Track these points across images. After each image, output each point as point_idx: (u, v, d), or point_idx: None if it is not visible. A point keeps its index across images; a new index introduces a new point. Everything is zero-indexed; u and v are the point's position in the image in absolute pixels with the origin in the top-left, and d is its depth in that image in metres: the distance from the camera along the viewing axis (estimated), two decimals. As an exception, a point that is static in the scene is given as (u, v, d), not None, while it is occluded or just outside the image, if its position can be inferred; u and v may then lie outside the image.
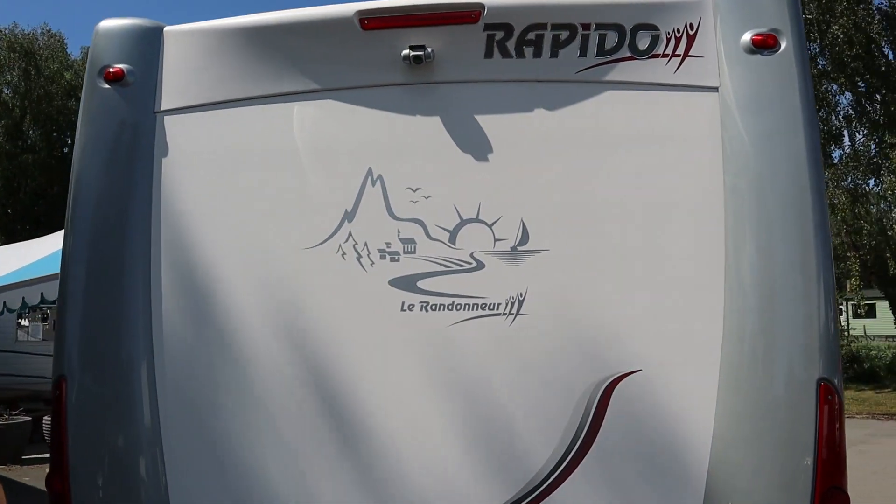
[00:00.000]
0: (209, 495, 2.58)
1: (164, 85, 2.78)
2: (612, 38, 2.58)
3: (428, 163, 2.62)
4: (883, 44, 17.91)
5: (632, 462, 2.43)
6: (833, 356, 2.38)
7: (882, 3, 17.74)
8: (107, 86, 2.80)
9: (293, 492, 2.55)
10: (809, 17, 16.37)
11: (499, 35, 2.61)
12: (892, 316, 19.82)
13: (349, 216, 2.63)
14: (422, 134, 2.63)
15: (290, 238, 2.65)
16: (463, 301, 2.54)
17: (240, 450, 2.57)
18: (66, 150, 29.19)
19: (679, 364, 2.44)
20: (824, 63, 17.46)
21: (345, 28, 2.66)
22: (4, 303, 8.99)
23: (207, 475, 2.58)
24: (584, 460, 2.43)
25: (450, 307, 2.54)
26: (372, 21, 2.65)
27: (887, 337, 26.02)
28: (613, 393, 2.44)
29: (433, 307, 2.54)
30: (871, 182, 18.38)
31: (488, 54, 2.62)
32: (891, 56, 17.73)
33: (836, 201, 17.20)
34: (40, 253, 9.91)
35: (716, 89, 2.53)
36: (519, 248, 2.54)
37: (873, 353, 21.26)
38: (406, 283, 2.57)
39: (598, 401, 2.44)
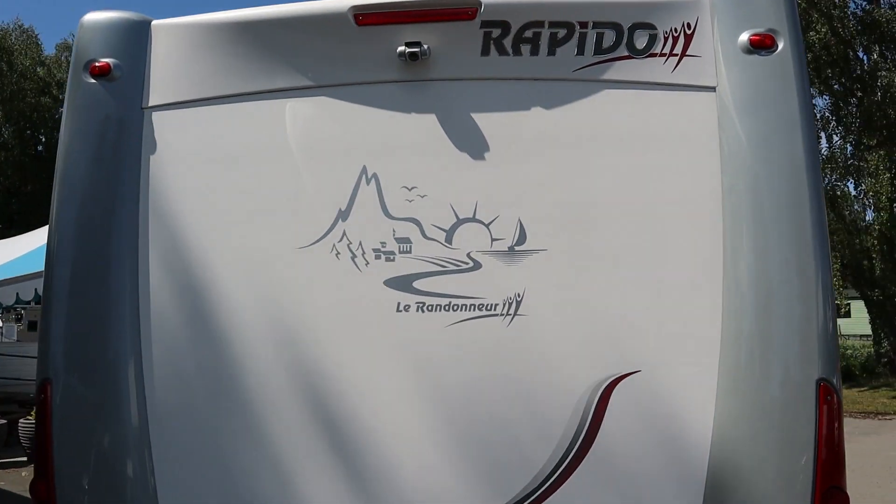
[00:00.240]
0: (198, 497, 2.53)
1: (152, 80, 2.71)
2: (609, 37, 2.57)
3: (423, 161, 2.58)
4: (858, 48, 18.21)
5: (631, 464, 2.41)
6: (832, 356, 2.38)
7: (857, 9, 18.07)
8: (92, 80, 2.72)
9: (285, 494, 2.50)
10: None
11: (496, 32, 2.58)
12: (867, 316, 20.16)
13: (343, 215, 2.58)
14: (417, 132, 2.59)
15: (282, 237, 2.60)
16: (460, 302, 2.51)
17: (230, 451, 2.52)
18: (40, 147, 28.68)
19: (678, 365, 2.43)
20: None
21: (339, 23, 2.61)
22: (-22, 303, 8.80)
23: (197, 476, 2.53)
24: (582, 462, 2.41)
25: (446, 308, 2.50)
26: (367, 17, 2.60)
27: (861, 336, 26.49)
28: (612, 394, 2.42)
29: (429, 308, 2.51)
30: (851, 184, 18.69)
31: (485, 52, 2.59)
32: (865, 60, 18.04)
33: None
34: (15, 252, 9.72)
35: (713, 89, 2.53)
36: (516, 248, 2.51)
37: (849, 352, 21.62)
38: (402, 283, 2.53)
39: (597, 402, 2.42)
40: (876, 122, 16.89)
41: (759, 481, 2.36)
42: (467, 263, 2.52)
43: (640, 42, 2.56)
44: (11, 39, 28.05)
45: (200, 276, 2.63)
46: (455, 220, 2.54)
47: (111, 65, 2.71)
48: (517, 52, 2.59)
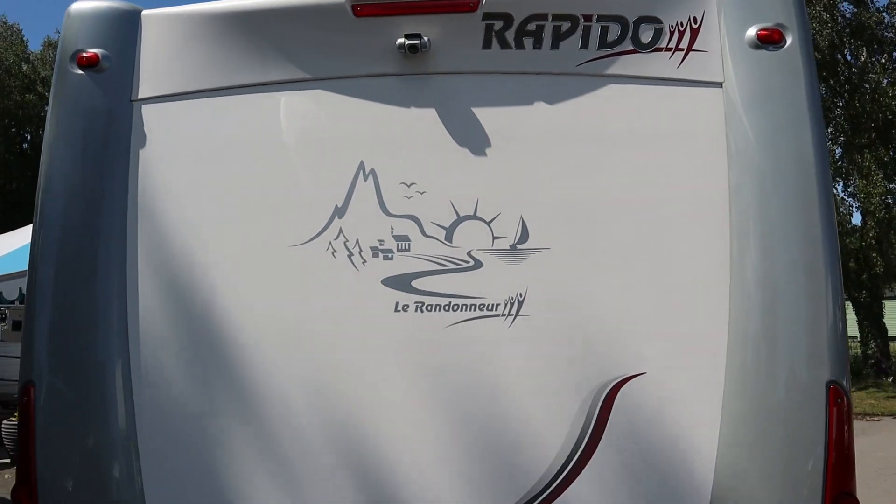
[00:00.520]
0: (187, 497, 2.47)
1: (142, 71, 2.63)
2: (614, 31, 2.52)
3: (423, 157, 2.52)
4: (846, 50, 18.34)
5: (636, 468, 2.36)
6: (841, 357, 2.34)
7: (846, 11, 18.19)
8: (80, 71, 2.64)
9: (275, 498, 2.43)
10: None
11: (498, 25, 2.53)
12: (854, 317, 20.30)
13: (340, 212, 2.52)
14: (417, 127, 2.53)
15: (276, 235, 2.53)
16: (460, 301, 2.45)
17: (219, 452, 2.46)
18: (25, 145, 28.37)
19: (684, 367, 2.38)
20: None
21: (336, 14, 2.54)
22: (-39, 303, 8.64)
23: (185, 477, 2.47)
24: (587, 466, 2.36)
25: (446, 308, 2.45)
26: (365, 7, 2.54)
27: (849, 338, 26.62)
28: (617, 397, 2.37)
29: (429, 308, 2.45)
30: (840, 186, 18.79)
31: (487, 45, 2.53)
32: (854, 63, 18.17)
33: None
34: (-1, 251, 9.57)
35: (720, 85, 2.48)
36: (518, 247, 2.46)
37: (836, 353, 21.65)
38: (400, 282, 2.47)
39: (602, 405, 2.37)
40: (864, 125, 17.02)
41: (767, 486, 2.32)
42: (468, 262, 2.47)
43: (646, 36, 2.51)
44: (-5, 35, 27.73)
45: (191, 276, 2.55)
46: (455, 217, 2.48)
47: (99, 55, 2.63)
48: (520, 45, 2.53)
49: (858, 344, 21.29)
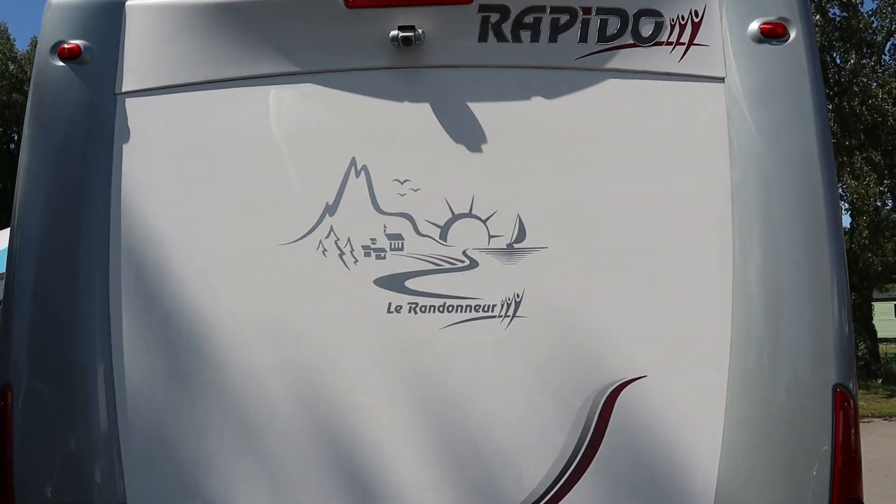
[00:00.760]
0: (170, 502, 2.40)
1: (126, 64, 2.55)
2: (613, 24, 2.46)
3: (417, 153, 2.46)
4: (835, 53, 18.45)
5: (636, 474, 2.31)
6: (848, 360, 2.29)
7: (836, 16, 18.30)
8: (61, 64, 2.55)
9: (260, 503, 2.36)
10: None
11: (494, 17, 2.47)
12: (843, 319, 20.37)
13: (330, 210, 2.45)
14: (410, 122, 2.47)
15: (265, 233, 2.47)
16: (455, 302, 2.39)
17: (204, 456, 2.40)
18: (12, 146, 28.09)
19: (686, 370, 2.33)
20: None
21: (327, 5, 2.48)
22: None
23: (168, 481, 2.41)
24: (585, 473, 2.30)
25: (440, 309, 2.39)
26: (357, -2, 2.47)
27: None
28: (617, 401, 2.32)
29: (422, 309, 2.39)
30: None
31: (482, 38, 2.48)
32: (842, 64, 18.28)
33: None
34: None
35: (722, 80, 2.43)
36: (515, 246, 2.40)
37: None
38: (393, 282, 2.41)
39: (601, 409, 2.32)
40: (854, 127, 17.10)
41: (772, 493, 2.27)
42: (463, 262, 2.41)
43: (646, 30, 2.46)
44: (-18, 35, 27.45)
45: (176, 276, 2.48)
46: (450, 215, 2.42)
47: (81, 47, 2.55)
48: (517, 38, 2.48)
49: (848, 346, 21.33)
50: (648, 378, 2.32)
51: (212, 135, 2.53)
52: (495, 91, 2.47)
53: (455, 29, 2.47)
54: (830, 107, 18.51)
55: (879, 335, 20.76)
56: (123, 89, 2.55)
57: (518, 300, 2.37)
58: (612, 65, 2.45)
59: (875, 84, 17.35)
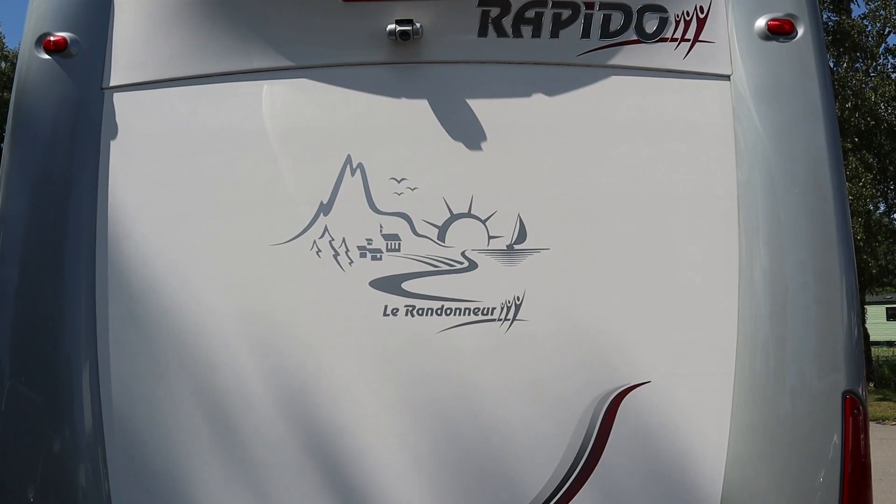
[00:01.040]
0: (156, 502, 2.34)
1: (114, 57, 2.48)
2: (617, 19, 2.41)
3: (414, 151, 2.41)
4: (828, 56, 18.52)
5: (640, 483, 2.26)
6: (858, 366, 2.24)
7: (828, 20, 18.37)
8: (46, 57, 2.48)
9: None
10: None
11: (494, 11, 2.42)
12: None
13: (325, 209, 2.39)
14: (408, 119, 2.42)
15: (257, 232, 2.41)
16: (453, 305, 2.33)
17: (191, 458, 2.34)
18: (2, 144, 27.93)
19: (690, 375, 2.29)
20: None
21: None
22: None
23: (154, 483, 2.35)
24: (588, 481, 2.25)
25: (438, 312, 2.33)
26: (353, -9, 2.40)
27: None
28: (620, 407, 2.27)
29: (420, 312, 2.33)
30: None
31: (482, 32, 2.43)
32: (836, 68, 18.34)
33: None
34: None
35: (727, 77, 2.39)
36: (515, 247, 2.35)
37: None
38: (389, 284, 2.35)
39: (604, 416, 2.27)
40: (847, 130, 17.15)
41: (779, 501, 2.22)
42: (462, 263, 2.35)
43: (650, 25, 2.42)
44: (-28, 33, 27.26)
45: (164, 275, 2.42)
46: (448, 215, 2.37)
47: (68, 39, 2.48)
48: (517, 33, 2.43)
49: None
50: (652, 384, 2.27)
51: (202, 131, 2.47)
52: (495, 87, 2.42)
53: (454, 23, 2.42)
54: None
55: (871, 338, 20.83)
56: (111, 83, 2.48)
57: (518, 303, 2.32)
58: (615, 61, 2.41)
59: (867, 87, 17.42)
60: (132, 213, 2.44)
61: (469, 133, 2.39)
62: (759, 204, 2.31)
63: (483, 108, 2.40)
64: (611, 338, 2.31)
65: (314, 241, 2.38)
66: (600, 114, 2.40)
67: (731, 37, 2.39)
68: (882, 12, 18.02)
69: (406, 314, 2.33)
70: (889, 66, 18.84)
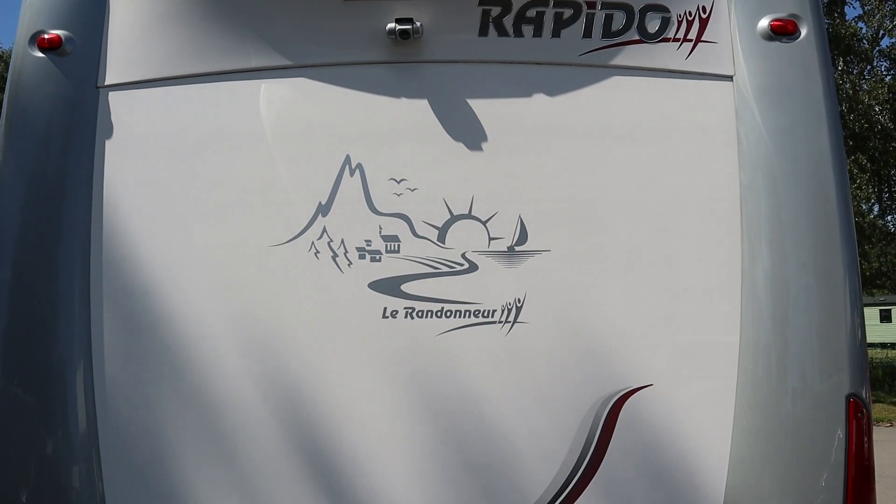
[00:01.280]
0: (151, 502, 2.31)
1: (110, 55, 2.45)
2: (619, 19, 2.39)
3: (414, 151, 2.38)
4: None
5: (642, 486, 2.24)
6: (861, 369, 2.22)
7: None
8: (40, 55, 2.44)
9: None
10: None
11: (495, 11, 2.40)
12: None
13: (323, 209, 2.36)
14: (407, 119, 2.39)
15: (254, 233, 2.38)
16: (453, 307, 2.31)
17: (186, 459, 2.32)
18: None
19: (693, 378, 2.27)
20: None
21: None
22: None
23: (148, 483, 2.32)
24: (589, 485, 2.23)
25: (438, 314, 2.30)
26: (353, -11, 2.37)
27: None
28: (622, 410, 2.25)
29: (419, 314, 2.31)
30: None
31: (483, 31, 2.40)
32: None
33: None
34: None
35: (730, 78, 2.37)
36: (516, 249, 2.32)
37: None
38: (389, 286, 2.32)
39: (605, 419, 2.24)
40: (842, 132, 17.19)
41: None
42: (462, 265, 2.33)
43: (652, 25, 2.40)
44: (-35, 33, 27.08)
45: (159, 276, 2.38)
46: (449, 216, 2.35)
47: (62, 37, 2.44)
48: (518, 32, 2.40)
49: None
50: (654, 387, 2.25)
51: (199, 131, 2.43)
52: (496, 87, 2.40)
53: (455, 22, 2.39)
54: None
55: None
56: (106, 82, 2.45)
57: (519, 305, 2.29)
58: (617, 61, 2.39)
59: (861, 90, 17.48)
60: (127, 213, 2.41)
61: (469, 133, 2.37)
62: (762, 205, 2.30)
63: (483, 108, 2.38)
64: (613, 340, 2.28)
65: (312, 243, 2.35)
66: (602, 114, 2.38)
67: (734, 37, 2.38)
68: (876, 14, 18.09)
69: (406, 316, 2.30)
70: (883, 69, 18.92)
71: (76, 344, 2.35)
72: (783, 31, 2.35)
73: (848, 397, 2.20)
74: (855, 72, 18.12)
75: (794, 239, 2.29)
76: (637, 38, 2.39)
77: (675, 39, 2.39)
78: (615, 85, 2.38)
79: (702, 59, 2.37)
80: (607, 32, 2.39)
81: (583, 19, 2.39)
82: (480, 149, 2.37)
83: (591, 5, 2.39)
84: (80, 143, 2.42)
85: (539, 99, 2.38)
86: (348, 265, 2.33)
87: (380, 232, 2.34)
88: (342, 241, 2.34)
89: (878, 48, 18.61)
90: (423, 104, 2.38)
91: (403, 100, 2.39)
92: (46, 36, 2.44)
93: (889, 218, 19.26)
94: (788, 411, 2.23)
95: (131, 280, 2.38)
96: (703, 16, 2.39)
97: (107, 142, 2.43)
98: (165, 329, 2.36)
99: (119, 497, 2.30)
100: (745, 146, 2.32)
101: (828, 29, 18.19)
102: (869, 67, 18.56)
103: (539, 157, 2.36)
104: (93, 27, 2.45)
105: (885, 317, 35.86)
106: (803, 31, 2.36)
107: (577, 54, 2.39)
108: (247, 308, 2.35)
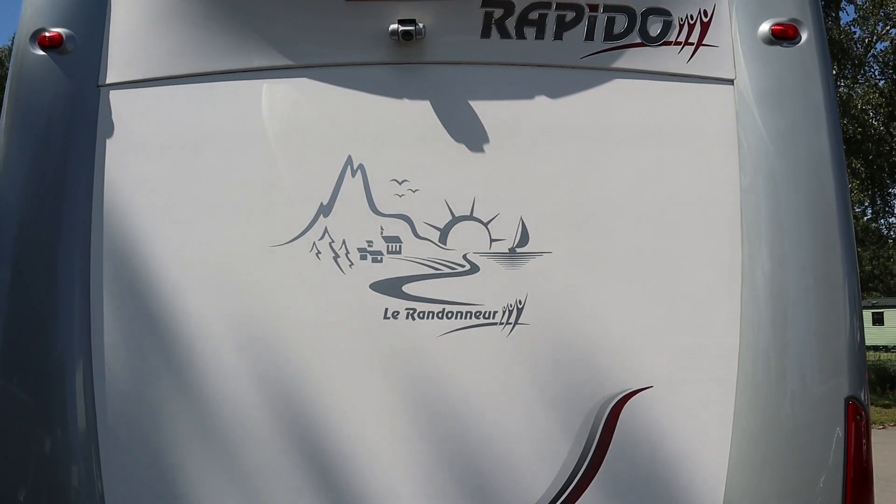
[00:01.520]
0: (149, 503, 2.31)
1: (111, 54, 2.44)
2: (621, 22, 2.40)
3: (416, 152, 2.38)
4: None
5: (641, 488, 2.24)
6: (860, 371, 2.24)
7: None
8: (41, 53, 2.43)
9: None
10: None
11: (498, 12, 2.40)
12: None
13: (325, 210, 2.36)
14: (409, 120, 2.39)
15: (256, 233, 2.37)
16: (454, 308, 2.31)
17: (186, 458, 2.31)
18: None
19: (692, 380, 2.27)
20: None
21: None
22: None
23: (148, 482, 2.32)
24: (589, 486, 2.23)
25: (439, 315, 2.30)
26: (356, -10, 2.38)
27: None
28: (622, 412, 2.26)
29: (420, 315, 2.31)
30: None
31: (486, 33, 2.41)
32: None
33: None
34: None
35: (731, 81, 2.38)
36: (518, 250, 2.33)
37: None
38: (390, 287, 2.32)
39: (606, 421, 2.25)
40: (835, 137, 17.26)
41: None
42: (463, 266, 2.33)
43: (654, 29, 2.41)
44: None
45: (160, 276, 2.38)
46: (450, 217, 2.35)
47: (63, 35, 2.43)
48: (521, 35, 2.41)
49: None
50: (654, 389, 2.26)
51: (200, 130, 2.43)
52: (498, 89, 2.40)
53: (457, 24, 2.39)
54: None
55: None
56: (107, 81, 2.44)
57: (520, 307, 2.30)
58: (618, 64, 2.39)
59: (855, 95, 17.58)
60: (128, 212, 2.40)
61: (471, 135, 2.37)
62: (762, 208, 2.31)
63: (485, 110, 2.38)
64: (613, 342, 2.29)
65: (314, 243, 2.34)
66: (603, 117, 2.38)
67: (735, 41, 2.39)
68: (870, 19, 18.19)
69: (407, 317, 2.30)
70: (876, 74, 19.03)
71: (76, 343, 2.34)
72: (784, 35, 2.37)
73: (847, 400, 2.21)
74: (849, 76, 18.22)
75: (794, 242, 2.30)
76: (639, 41, 2.40)
77: (677, 43, 2.40)
78: (617, 88, 2.39)
79: (703, 62, 2.38)
80: (609, 35, 2.40)
81: (585, 22, 2.39)
82: (482, 150, 2.37)
83: (594, 8, 2.40)
84: (81, 141, 2.41)
85: (541, 101, 2.39)
86: (349, 266, 2.33)
87: (381, 233, 2.34)
88: (343, 242, 2.34)
89: (871, 52, 18.72)
90: (425, 105, 2.38)
91: (405, 101, 2.39)
92: (47, 34, 2.42)
93: (882, 221, 19.39)
94: (788, 413, 2.24)
95: (131, 279, 2.38)
96: (705, 19, 2.40)
97: (107, 141, 2.42)
98: (165, 329, 2.35)
99: (118, 496, 2.30)
100: (746, 149, 2.34)
101: (822, 33, 18.31)
102: (862, 72, 18.66)
103: (540, 158, 2.37)
104: (94, 25, 2.44)
105: (878, 319, 36.05)
106: (804, 36, 2.37)
107: (579, 57, 2.40)
108: (247, 308, 2.34)
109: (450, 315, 2.30)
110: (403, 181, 2.36)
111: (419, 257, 2.33)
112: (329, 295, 2.32)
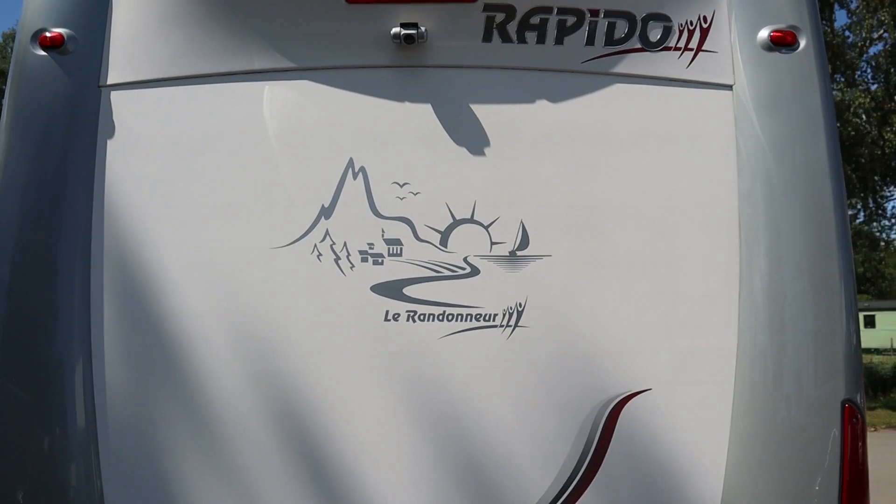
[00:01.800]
0: (148, 503, 2.30)
1: (112, 54, 2.43)
2: (621, 27, 2.41)
3: (417, 155, 2.38)
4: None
5: (640, 490, 2.26)
6: (856, 374, 2.26)
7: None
8: (42, 53, 2.42)
9: None
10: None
11: (499, 17, 2.41)
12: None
13: (326, 212, 2.36)
14: (411, 123, 2.39)
15: (256, 236, 2.37)
16: (455, 311, 2.31)
17: (185, 458, 2.31)
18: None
19: (691, 383, 2.29)
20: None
21: (327, 0, 2.37)
22: None
23: (147, 482, 2.31)
24: (588, 489, 2.24)
25: (440, 318, 2.31)
26: (358, -7, 2.38)
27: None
28: (621, 415, 2.27)
29: (421, 317, 2.31)
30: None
31: (487, 37, 2.41)
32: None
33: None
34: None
35: (730, 87, 2.40)
36: (518, 254, 2.33)
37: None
38: (391, 289, 2.33)
39: (604, 423, 2.26)
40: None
41: None
42: (464, 269, 2.33)
43: (654, 34, 2.42)
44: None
45: (160, 277, 2.37)
46: (451, 220, 2.35)
47: (64, 36, 2.42)
48: (522, 39, 2.41)
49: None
50: (653, 391, 2.27)
51: (201, 132, 2.42)
52: (499, 93, 2.40)
53: (459, 28, 2.40)
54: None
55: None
56: (108, 81, 2.43)
57: (520, 309, 2.31)
58: (618, 69, 2.41)
59: (849, 99, 17.69)
60: (128, 213, 2.40)
61: (472, 138, 2.38)
62: (760, 213, 2.32)
63: (486, 114, 2.39)
64: (612, 345, 2.30)
65: (315, 245, 2.35)
66: (603, 121, 2.40)
67: (734, 47, 2.41)
68: (864, 23, 18.30)
69: (408, 319, 2.30)
70: (869, 78, 19.14)
71: (76, 343, 2.34)
72: (783, 41, 2.39)
73: (843, 402, 2.23)
74: (843, 80, 18.31)
75: (791, 246, 2.32)
76: (639, 46, 2.41)
77: (677, 48, 2.41)
78: (617, 92, 2.40)
79: (702, 68, 2.40)
80: (610, 40, 2.41)
81: (586, 27, 2.40)
82: (483, 154, 2.38)
83: (594, 13, 2.41)
84: (82, 142, 2.41)
85: (541, 105, 2.40)
86: (351, 268, 2.34)
87: (382, 235, 2.34)
88: (345, 244, 2.34)
89: (865, 56, 18.83)
90: (427, 108, 2.39)
91: (407, 104, 2.40)
92: (48, 34, 2.42)
93: (874, 224, 19.51)
94: (785, 416, 2.26)
95: (132, 280, 2.37)
96: (704, 25, 2.42)
97: (108, 141, 2.42)
98: (165, 330, 2.35)
99: (118, 495, 2.29)
100: (744, 154, 2.35)
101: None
102: (855, 75, 18.76)
103: (541, 162, 2.38)
104: (95, 26, 2.43)
105: (869, 322, 36.25)
106: (802, 43, 2.39)
107: (580, 61, 2.41)
108: (248, 310, 2.34)
109: (450, 317, 2.31)
110: (405, 184, 2.36)
111: (420, 260, 2.34)
112: (330, 297, 2.33)
